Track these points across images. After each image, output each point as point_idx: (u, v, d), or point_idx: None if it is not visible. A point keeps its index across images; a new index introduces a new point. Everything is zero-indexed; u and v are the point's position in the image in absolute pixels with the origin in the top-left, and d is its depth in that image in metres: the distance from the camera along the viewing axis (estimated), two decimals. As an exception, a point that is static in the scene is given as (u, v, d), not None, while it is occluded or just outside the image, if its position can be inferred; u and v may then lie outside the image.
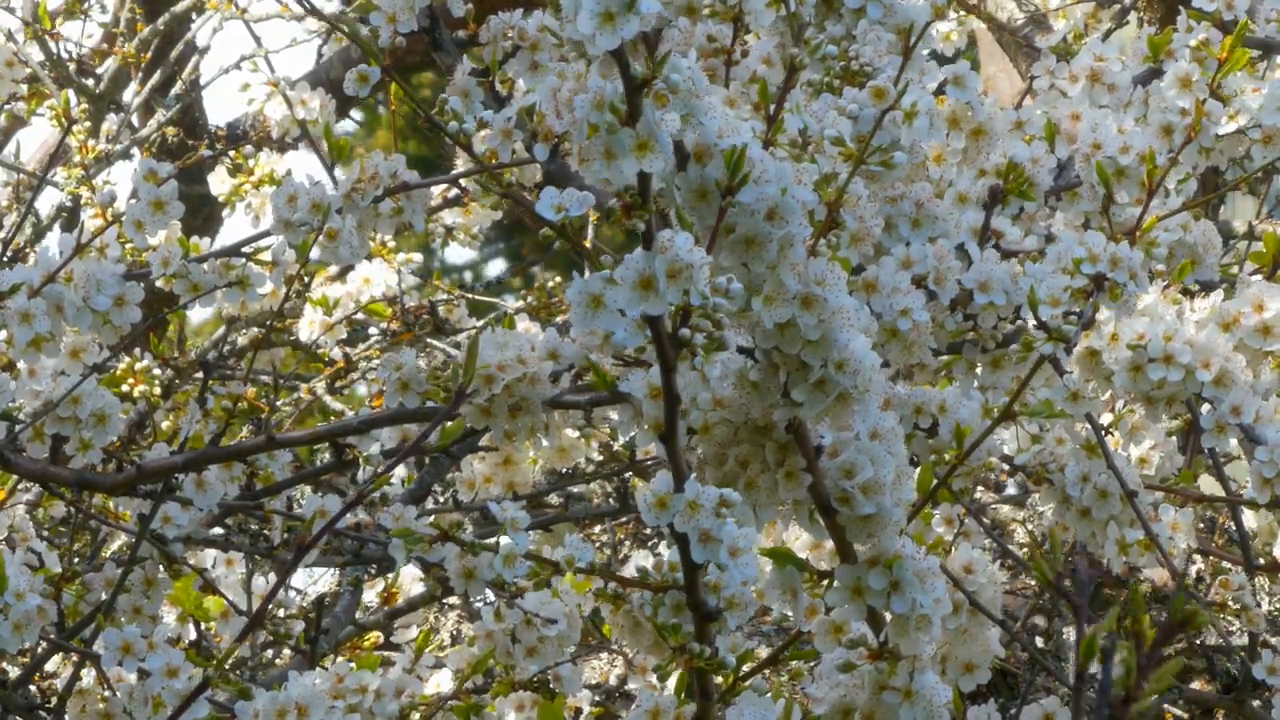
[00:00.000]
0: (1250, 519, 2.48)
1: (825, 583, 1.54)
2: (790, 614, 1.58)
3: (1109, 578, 1.96)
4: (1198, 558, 2.61)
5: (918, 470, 1.79)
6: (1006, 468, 1.98)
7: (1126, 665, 1.05)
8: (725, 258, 1.41)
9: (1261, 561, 2.25)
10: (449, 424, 1.62)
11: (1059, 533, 1.53)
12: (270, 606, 2.34)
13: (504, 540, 1.67)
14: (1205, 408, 1.84)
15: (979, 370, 1.85)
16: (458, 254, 6.45)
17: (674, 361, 1.39)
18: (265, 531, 2.39)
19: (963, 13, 3.05)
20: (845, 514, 1.48)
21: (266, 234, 2.09)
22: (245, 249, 2.09)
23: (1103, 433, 1.92)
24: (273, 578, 2.49)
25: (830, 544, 1.53)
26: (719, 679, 1.58)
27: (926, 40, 1.76)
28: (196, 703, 1.85)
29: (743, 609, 1.50)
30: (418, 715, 2.09)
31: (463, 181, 2.21)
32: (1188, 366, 1.80)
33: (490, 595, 2.04)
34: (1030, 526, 3.14)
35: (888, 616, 1.51)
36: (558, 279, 3.33)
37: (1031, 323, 1.69)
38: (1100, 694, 1.09)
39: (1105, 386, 1.84)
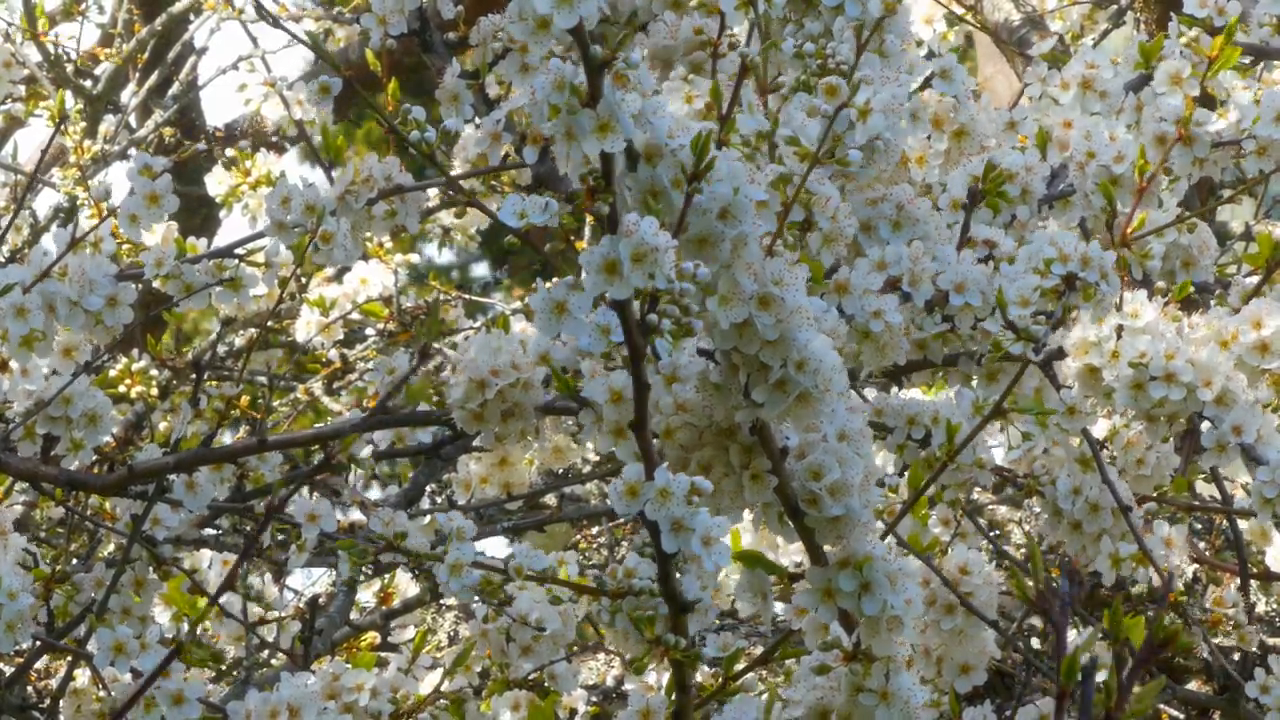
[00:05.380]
0: (1244, 524, 2.48)
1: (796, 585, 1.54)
2: (763, 617, 1.58)
3: (1100, 586, 1.96)
4: (1193, 565, 2.61)
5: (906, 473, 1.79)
6: (997, 478, 1.98)
7: (1107, 684, 1.05)
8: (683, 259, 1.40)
9: (1255, 570, 2.25)
10: (413, 384, 1.61)
11: (1038, 546, 1.53)
12: (263, 610, 2.35)
13: (450, 551, 1.67)
14: (1206, 426, 1.83)
15: (975, 382, 1.85)
16: (450, 255, 6.45)
17: (643, 348, 1.38)
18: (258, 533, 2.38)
19: (959, 13, 3.04)
20: (813, 516, 1.48)
21: (261, 235, 2.09)
22: (239, 250, 2.09)
23: (1098, 447, 1.91)
24: (268, 578, 2.49)
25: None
26: (709, 673, 1.58)
27: (909, 36, 1.76)
28: (189, 703, 1.85)
29: (703, 614, 1.50)
30: (408, 715, 2.09)
31: (436, 190, 2.20)
32: (1189, 385, 1.80)
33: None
34: (1027, 528, 3.14)
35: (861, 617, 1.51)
36: (554, 280, 3.32)
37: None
38: (1081, 712, 1.08)
39: (1105, 403, 1.84)
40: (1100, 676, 1.12)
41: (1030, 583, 1.26)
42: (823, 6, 1.69)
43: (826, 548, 1.50)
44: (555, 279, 2.00)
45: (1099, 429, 1.94)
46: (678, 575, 1.46)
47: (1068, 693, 1.14)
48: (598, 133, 1.34)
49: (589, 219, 2.59)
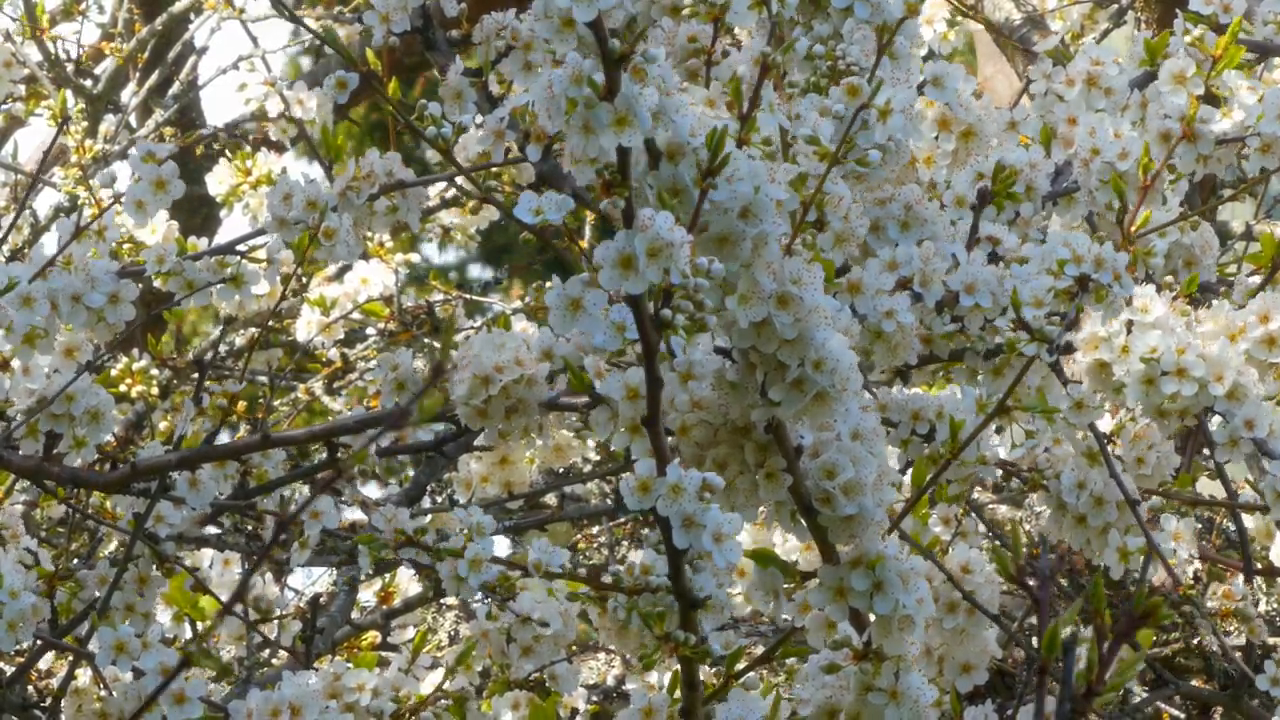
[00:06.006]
0: (1247, 519, 2.48)
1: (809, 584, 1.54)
2: (774, 615, 1.58)
3: (1088, 571, 1.96)
4: (1196, 560, 2.60)
5: (910, 469, 1.79)
6: (1001, 473, 1.98)
7: (1088, 659, 1.05)
8: (700, 256, 1.40)
9: (1259, 566, 2.25)
10: (426, 401, 1.61)
11: (1019, 527, 1.53)
12: (265, 606, 2.35)
13: (470, 546, 1.67)
14: (1217, 421, 1.83)
15: (981, 378, 1.85)
16: (445, 254, 6.45)
17: (656, 343, 1.39)
18: (260, 531, 2.38)
19: (960, 14, 3.04)
20: (827, 515, 1.48)
21: (262, 232, 2.09)
22: (240, 247, 2.09)
23: (1104, 441, 1.91)
24: (269, 577, 2.49)
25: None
26: (710, 672, 1.57)
27: (919, 39, 1.76)
28: (190, 703, 1.85)
29: (719, 610, 1.50)
30: (412, 716, 2.09)
31: (436, 189, 2.20)
32: (1201, 380, 1.79)
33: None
34: (1028, 527, 3.14)
35: (872, 617, 1.51)
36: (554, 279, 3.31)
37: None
38: (1062, 687, 1.09)
39: (1115, 399, 1.84)
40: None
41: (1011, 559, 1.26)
42: (832, 9, 1.70)
43: (839, 546, 1.50)
44: (562, 275, 2.00)
45: (1105, 423, 1.94)
46: (691, 572, 1.47)
47: (1049, 666, 1.14)
48: (615, 126, 1.34)
49: (589, 218, 2.60)
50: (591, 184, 1.35)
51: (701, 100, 1.80)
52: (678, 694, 1.62)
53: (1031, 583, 1.52)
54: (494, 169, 2.09)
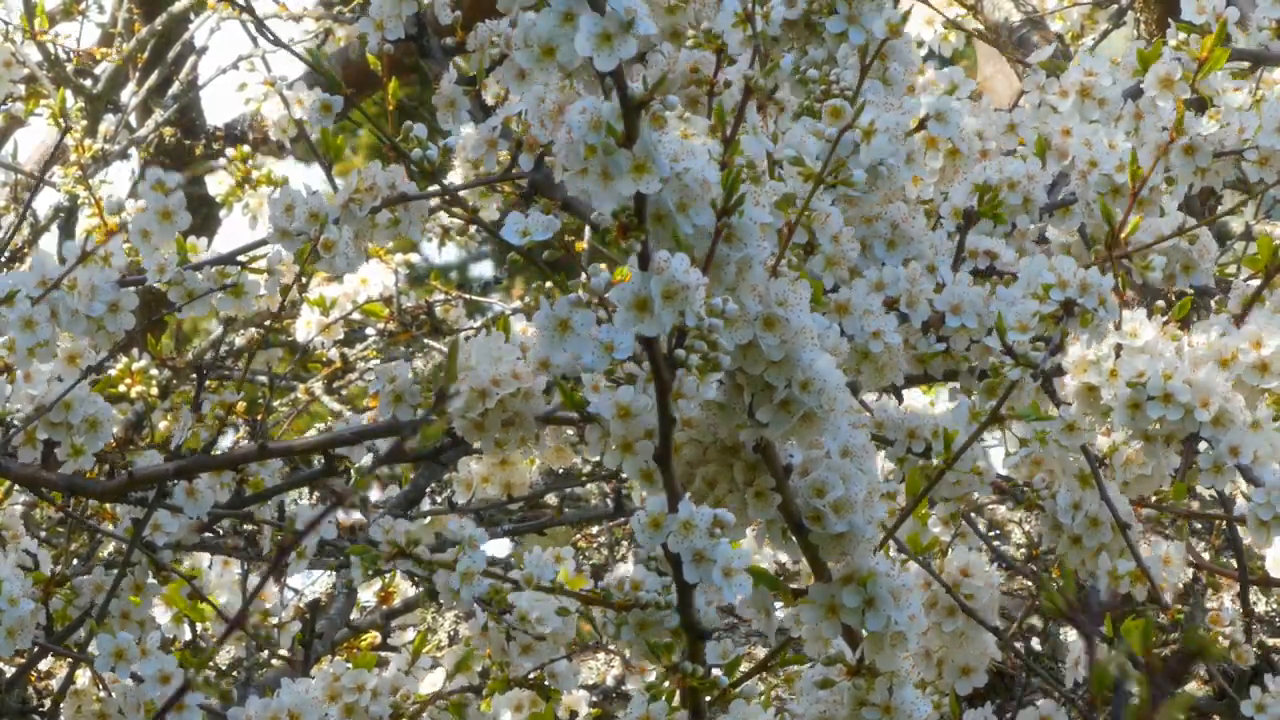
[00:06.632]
0: (1242, 529, 2.47)
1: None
2: (768, 631, 1.59)
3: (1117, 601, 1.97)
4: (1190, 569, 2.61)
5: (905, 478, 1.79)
6: (996, 494, 1.98)
7: (1140, 696, 1.05)
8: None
9: (1254, 576, 2.25)
10: (429, 427, 1.61)
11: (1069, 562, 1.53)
12: (262, 613, 2.35)
13: (460, 559, 1.67)
14: (1203, 446, 1.83)
15: (975, 398, 1.85)
16: (446, 254, 6.45)
17: (670, 382, 1.39)
18: (258, 536, 2.39)
19: (960, 13, 3.04)
20: (817, 533, 1.48)
21: (264, 242, 2.09)
22: (241, 257, 2.09)
23: (1097, 463, 1.91)
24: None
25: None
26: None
27: (912, 65, 1.76)
28: (189, 709, 1.85)
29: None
30: (408, 717, 2.09)
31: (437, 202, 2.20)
32: (1186, 405, 1.80)
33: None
34: (1027, 528, 3.14)
35: (864, 633, 1.51)
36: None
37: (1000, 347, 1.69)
38: None
39: (1104, 421, 1.84)
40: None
41: (1059, 594, 1.26)
42: (826, 34, 1.69)
43: (830, 563, 1.51)
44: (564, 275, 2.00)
45: (1098, 444, 1.94)
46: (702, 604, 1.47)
47: (1097, 702, 1.14)
48: (634, 173, 1.34)
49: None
50: (607, 226, 1.34)
51: (703, 130, 1.80)
52: (675, 702, 1.63)
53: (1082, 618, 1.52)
54: (493, 180, 2.09)
